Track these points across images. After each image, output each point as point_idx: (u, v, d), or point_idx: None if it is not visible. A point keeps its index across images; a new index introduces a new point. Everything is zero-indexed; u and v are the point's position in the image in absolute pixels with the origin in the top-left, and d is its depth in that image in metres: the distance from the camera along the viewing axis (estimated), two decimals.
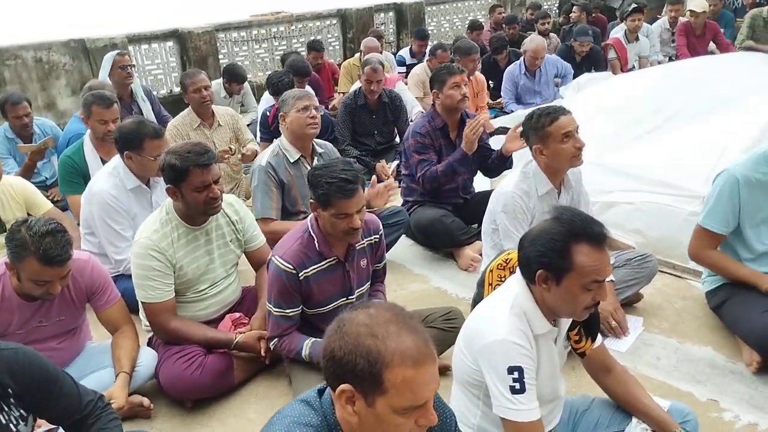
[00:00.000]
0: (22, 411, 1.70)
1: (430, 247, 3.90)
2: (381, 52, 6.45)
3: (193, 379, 2.51)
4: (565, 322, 1.92)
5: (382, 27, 8.78)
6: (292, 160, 3.38)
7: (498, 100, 6.45)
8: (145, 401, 2.49)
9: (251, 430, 2.46)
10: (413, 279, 3.62)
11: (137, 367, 2.51)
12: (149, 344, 2.72)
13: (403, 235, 3.75)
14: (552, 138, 2.72)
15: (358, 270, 2.58)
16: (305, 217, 2.61)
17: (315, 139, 3.49)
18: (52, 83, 6.40)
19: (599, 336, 2.02)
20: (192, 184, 2.52)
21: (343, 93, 6.28)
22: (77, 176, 3.73)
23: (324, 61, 7.11)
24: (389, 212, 3.59)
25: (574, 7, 8.78)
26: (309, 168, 3.40)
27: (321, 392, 1.37)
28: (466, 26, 8.46)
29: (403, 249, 3.86)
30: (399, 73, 6.95)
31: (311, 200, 2.41)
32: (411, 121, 5.26)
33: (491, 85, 6.42)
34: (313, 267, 2.44)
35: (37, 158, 4.48)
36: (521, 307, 1.79)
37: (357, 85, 5.47)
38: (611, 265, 1.78)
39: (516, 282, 1.85)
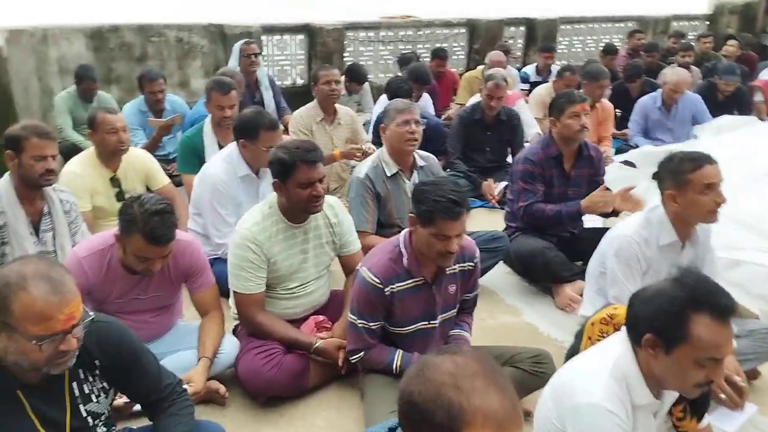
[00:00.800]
0: (105, 384, 1.75)
1: (528, 278, 3.70)
2: (505, 67, 6.28)
3: (269, 376, 2.52)
4: (670, 396, 1.73)
5: (511, 41, 8.55)
6: (389, 174, 3.33)
7: (623, 131, 6.07)
8: (222, 389, 2.54)
9: None
10: (504, 310, 3.46)
11: (219, 353, 2.55)
12: (234, 332, 2.77)
13: (501, 262, 3.59)
14: (691, 187, 2.44)
15: (445, 295, 2.48)
16: (399, 232, 2.54)
17: (418, 151, 3.42)
18: (188, 63, 6.76)
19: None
20: (297, 180, 2.53)
21: (461, 104, 6.17)
22: (194, 157, 3.89)
23: (446, 69, 7.05)
24: (489, 237, 3.45)
25: (731, 41, 7.96)
26: (406, 182, 3.37)
27: (392, 431, 1.29)
28: (600, 49, 8.07)
29: (498, 276, 3.68)
30: (521, 90, 6.75)
31: (411, 214, 2.33)
32: (527, 142, 5.08)
33: (618, 115, 6.04)
34: (399, 284, 2.37)
35: (164, 133, 4.72)
36: (623, 371, 1.62)
37: (476, 98, 5.34)
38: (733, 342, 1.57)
39: (620, 342, 1.68)
